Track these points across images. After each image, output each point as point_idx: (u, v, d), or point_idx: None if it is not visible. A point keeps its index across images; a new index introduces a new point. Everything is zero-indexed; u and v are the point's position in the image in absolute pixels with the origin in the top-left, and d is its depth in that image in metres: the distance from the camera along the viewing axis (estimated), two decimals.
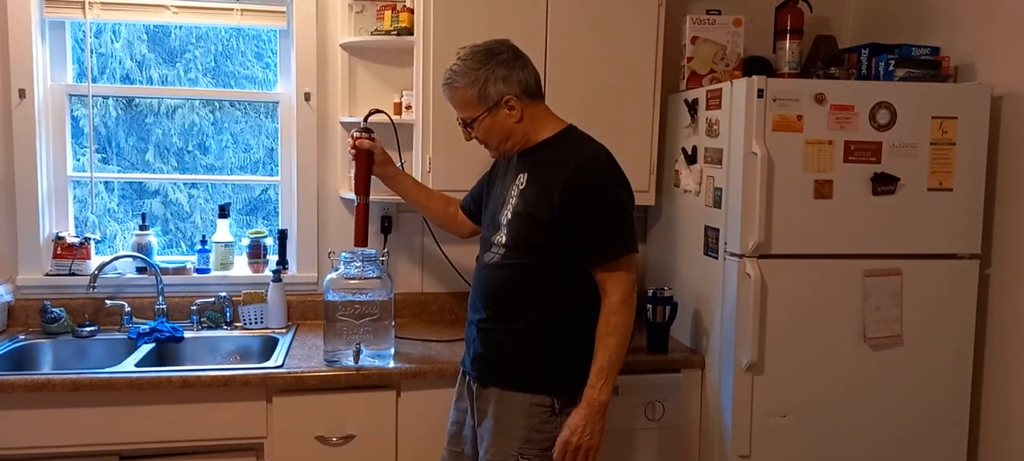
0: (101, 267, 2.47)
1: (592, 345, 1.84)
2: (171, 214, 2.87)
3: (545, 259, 1.82)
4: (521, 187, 1.87)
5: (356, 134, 2.21)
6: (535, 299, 1.83)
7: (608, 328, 1.79)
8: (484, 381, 1.89)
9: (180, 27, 2.73)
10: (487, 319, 1.89)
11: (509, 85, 1.82)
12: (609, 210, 1.79)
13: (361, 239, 2.25)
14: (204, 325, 2.56)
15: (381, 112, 2.30)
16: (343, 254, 2.22)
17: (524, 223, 1.83)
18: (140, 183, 2.82)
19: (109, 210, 2.80)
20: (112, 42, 2.73)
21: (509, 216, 1.87)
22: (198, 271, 2.66)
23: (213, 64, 2.79)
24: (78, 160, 2.68)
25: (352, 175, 2.27)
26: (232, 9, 2.61)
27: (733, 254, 2.18)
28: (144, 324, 2.48)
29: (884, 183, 2.17)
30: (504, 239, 1.87)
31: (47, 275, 2.56)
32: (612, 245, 1.79)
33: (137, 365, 2.19)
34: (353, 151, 2.22)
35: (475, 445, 1.95)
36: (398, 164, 2.34)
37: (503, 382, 1.86)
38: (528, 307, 1.83)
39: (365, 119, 2.25)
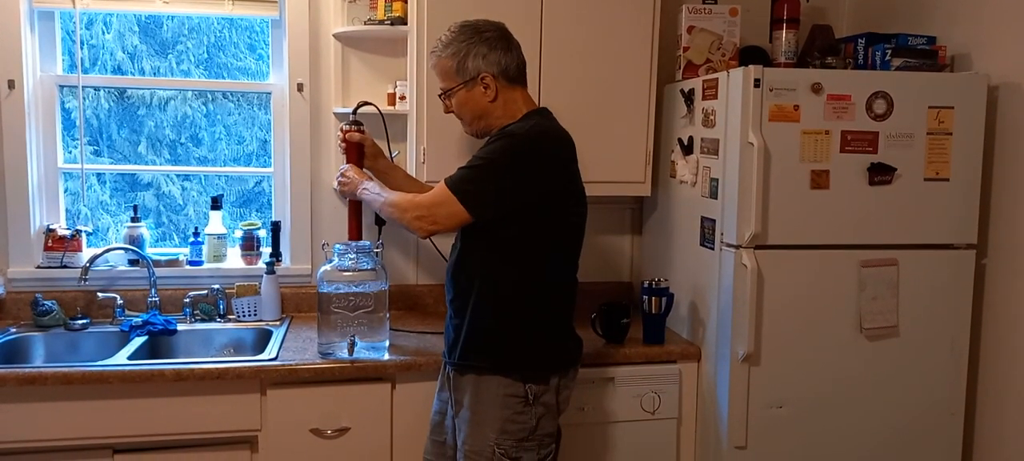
0: (92, 259, 2.45)
1: (554, 322, 1.88)
2: (164, 206, 2.85)
3: (491, 238, 1.81)
4: None
5: (346, 127, 2.20)
6: (484, 278, 1.83)
7: (403, 195, 1.94)
8: (461, 368, 1.89)
9: (172, 18, 2.70)
10: (454, 297, 1.92)
11: (487, 63, 1.85)
12: (481, 160, 1.80)
13: (355, 233, 2.25)
14: (197, 318, 2.55)
15: (370, 104, 2.29)
16: (337, 246, 2.21)
17: None
18: (132, 175, 2.80)
19: (101, 203, 2.78)
20: (103, 33, 2.70)
21: None
22: (191, 263, 2.64)
23: (205, 56, 2.77)
24: (69, 152, 2.66)
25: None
26: None
27: (729, 245, 2.17)
28: (136, 317, 2.47)
29: (881, 173, 2.17)
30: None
31: (38, 268, 2.54)
32: (457, 177, 1.80)
33: (130, 358, 2.17)
34: (343, 144, 2.22)
35: (456, 435, 1.95)
36: (389, 156, 2.33)
37: (478, 366, 1.85)
38: (479, 287, 1.83)
39: (354, 111, 2.23)
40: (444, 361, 1.99)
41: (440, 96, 1.96)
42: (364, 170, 2.21)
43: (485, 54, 1.85)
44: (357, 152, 2.20)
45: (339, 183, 2.16)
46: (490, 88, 1.86)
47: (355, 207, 2.25)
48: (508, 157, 1.78)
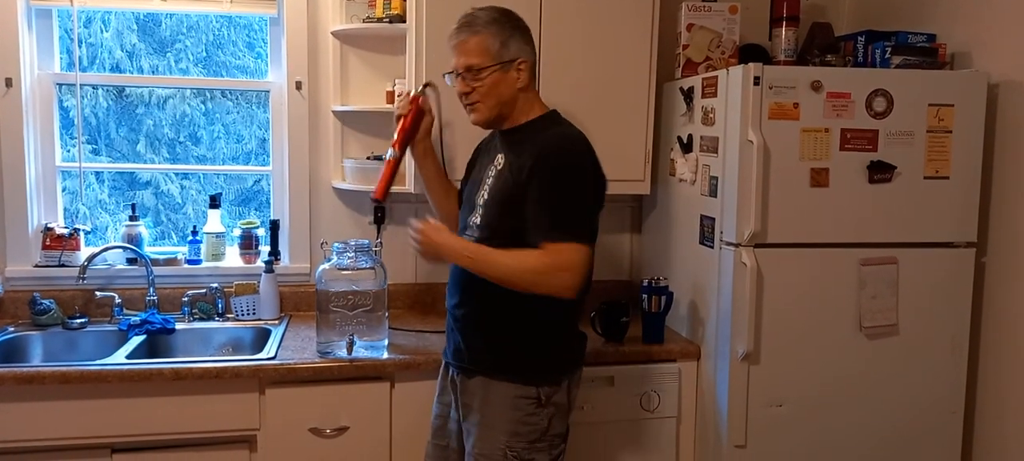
0: (90, 258, 2.44)
1: (571, 327, 1.86)
2: (163, 205, 2.85)
3: (518, 242, 1.78)
4: (499, 168, 1.85)
5: (418, 91, 2.10)
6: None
7: (528, 257, 1.72)
8: (469, 372, 1.87)
9: (170, 16, 2.70)
10: (461, 304, 1.88)
11: (524, 53, 1.83)
12: (565, 192, 1.74)
13: (381, 192, 2.07)
14: (196, 317, 2.54)
15: (433, 87, 2.16)
16: (336, 245, 2.21)
17: (497, 205, 1.82)
18: (131, 174, 2.79)
19: (100, 201, 2.77)
20: (101, 31, 2.70)
21: (486, 197, 1.85)
22: (189, 262, 2.64)
23: (204, 54, 2.76)
24: (67, 151, 2.65)
25: (396, 131, 2.09)
26: None
27: (729, 243, 2.17)
28: (135, 316, 2.46)
29: (880, 171, 2.16)
30: (479, 221, 1.86)
31: (36, 266, 2.53)
32: (557, 225, 1.72)
33: (128, 357, 2.17)
34: (410, 107, 2.06)
35: (460, 438, 1.93)
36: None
37: (488, 371, 1.84)
38: (490, 290, 1.79)
39: (424, 87, 2.14)
40: (447, 364, 1.98)
41: (463, 74, 1.83)
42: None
43: (525, 41, 1.84)
44: (416, 119, 2.04)
45: (420, 243, 1.86)
46: (522, 76, 1.83)
47: (391, 170, 2.06)
48: (584, 178, 1.78)
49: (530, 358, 1.83)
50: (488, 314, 1.84)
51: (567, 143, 1.80)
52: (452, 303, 1.92)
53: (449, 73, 1.90)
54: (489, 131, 1.99)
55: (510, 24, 1.83)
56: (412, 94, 2.11)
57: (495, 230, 1.82)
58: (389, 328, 2.31)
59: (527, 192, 1.76)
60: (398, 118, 2.09)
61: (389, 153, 2.08)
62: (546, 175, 1.75)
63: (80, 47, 2.58)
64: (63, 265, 2.52)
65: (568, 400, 1.88)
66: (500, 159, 1.86)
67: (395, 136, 2.08)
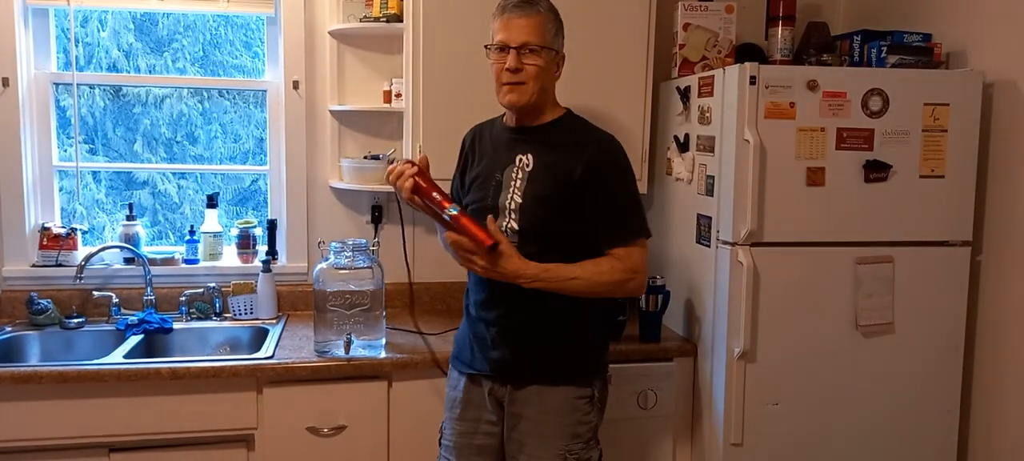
0: (88, 258, 2.44)
1: (608, 318, 1.89)
2: (160, 205, 2.85)
3: (565, 243, 1.77)
4: (528, 169, 1.80)
5: (403, 158, 1.90)
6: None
7: (600, 267, 1.75)
8: (519, 382, 1.82)
9: (167, 15, 2.69)
10: (508, 315, 1.81)
11: (563, 50, 1.84)
12: (629, 195, 1.81)
13: (487, 237, 1.72)
14: (193, 316, 2.54)
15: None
16: (333, 244, 2.21)
17: (541, 206, 1.77)
18: (128, 174, 2.79)
19: (97, 201, 2.77)
20: (98, 31, 2.69)
21: (520, 200, 1.78)
22: (186, 262, 2.64)
23: (201, 53, 2.76)
24: (64, 150, 2.65)
25: (427, 200, 1.79)
26: None
27: (725, 242, 2.17)
28: (132, 315, 2.46)
29: (876, 170, 2.17)
30: (517, 226, 1.79)
31: (33, 266, 2.53)
32: (627, 228, 1.79)
33: (125, 357, 2.17)
34: (415, 168, 1.78)
35: (495, 455, 1.88)
36: (383, 156, 2.24)
37: (544, 378, 1.80)
38: (541, 295, 1.75)
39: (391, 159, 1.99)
40: (473, 378, 1.88)
41: (519, 49, 1.73)
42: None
43: (563, 41, 1.84)
44: (427, 176, 1.80)
45: (482, 270, 1.73)
46: (560, 70, 1.84)
47: (468, 222, 1.73)
48: (634, 177, 1.85)
49: (585, 358, 1.84)
50: (542, 321, 1.80)
51: (615, 145, 1.82)
52: (494, 315, 1.82)
53: (491, 46, 1.78)
54: (464, 133, 1.99)
55: (559, 18, 1.83)
56: (403, 159, 1.86)
57: (541, 232, 1.77)
58: (386, 327, 2.32)
59: (584, 195, 1.76)
60: (414, 190, 1.76)
61: (447, 214, 1.74)
62: (609, 181, 1.77)
63: (77, 46, 2.58)
64: (60, 265, 2.52)
65: (608, 394, 1.91)
66: (526, 159, 1.81)
67: (437, 198, 1.76)
